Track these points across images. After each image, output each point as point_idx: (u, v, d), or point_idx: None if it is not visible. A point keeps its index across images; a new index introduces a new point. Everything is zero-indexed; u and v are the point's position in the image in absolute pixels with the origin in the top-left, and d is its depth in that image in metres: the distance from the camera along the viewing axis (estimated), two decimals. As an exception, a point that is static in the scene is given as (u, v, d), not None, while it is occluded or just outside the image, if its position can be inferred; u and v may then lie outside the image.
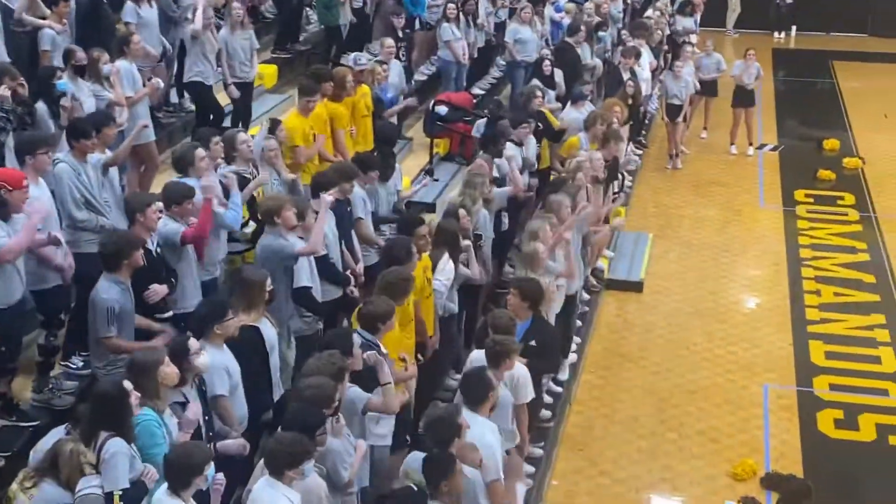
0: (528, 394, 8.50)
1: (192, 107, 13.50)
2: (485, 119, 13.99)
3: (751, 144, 20.16)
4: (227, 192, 9.20)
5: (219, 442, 7.13)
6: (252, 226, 9.52)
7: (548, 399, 10.76)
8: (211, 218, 8.57)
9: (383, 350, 7.95)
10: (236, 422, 7.45)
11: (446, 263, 9.71)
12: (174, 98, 13.52)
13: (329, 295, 9.45)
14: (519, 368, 8.34)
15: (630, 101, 16.66)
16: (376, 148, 11.95)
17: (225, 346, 7.53)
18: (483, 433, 7.30)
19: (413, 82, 16.66)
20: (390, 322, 8.09)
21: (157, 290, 8.06)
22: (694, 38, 22.13)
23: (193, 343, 7.10)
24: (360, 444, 7.27)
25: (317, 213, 9.08)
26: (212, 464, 6.19)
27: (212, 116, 12.77)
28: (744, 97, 19.67)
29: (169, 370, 6.72)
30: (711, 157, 19.97)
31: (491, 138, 12.68)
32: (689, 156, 19.60)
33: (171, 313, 8.20)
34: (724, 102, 20.15)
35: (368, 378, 7.60)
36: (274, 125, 10.65)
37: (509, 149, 12.50)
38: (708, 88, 19.67)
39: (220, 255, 9.18)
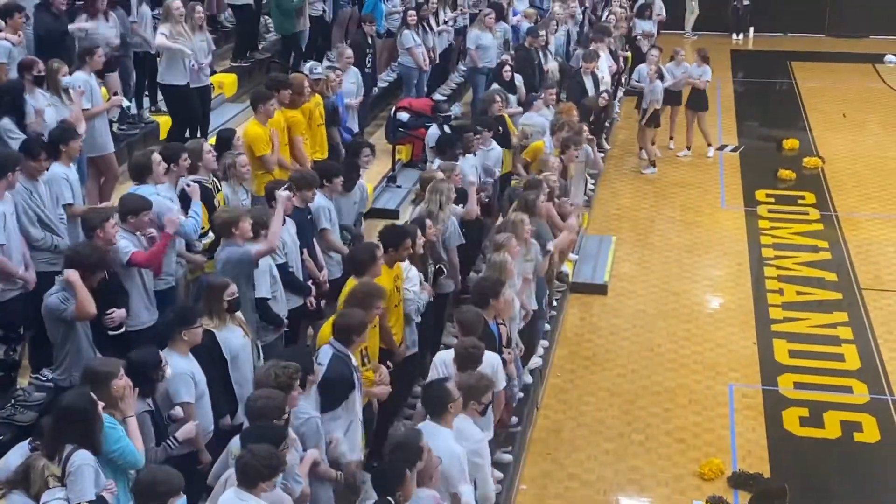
0: (502, 380, 8.71)
1: (150, 117, 13.47)
2: (433, 126, 14.01)
3: (710, 145, 20.24)
4: (187, 201, 9.24)
5: (176, 433, 7.17)
6: (209, 238, 9.50)
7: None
8: (164, 251, 8.56)
9: (354, 362, 7.97)
10: (200, 430, 7.42)
11: (409, 269, 9.72)
12: (134, 109, 13.45)
13: (291, 303, 9.47)
14: (490, 358, 8.42)
15: (602, 111, 16.90)
16: (341, 159, 11.95)
17: (191, 353, 7.53)
18: (448, 445, 7.32)
19: (377, 89, 16.71)
20: (364, 334, 8.14)
21: (117, 314, 8.05)
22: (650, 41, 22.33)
23: (162, 355, 7.12)
24: (309, 454, 7.25)
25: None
26: (182, 497, 6.04)
27: (197, 128, 12.80)
28: (696, 100, 19.75)
29: (122, 382, 6.68)
30: (672, 160, 20.09)
31: (447, 143, 12.71)
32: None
33: (123, 329, 8.16)
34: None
35: (332, 396, 7.62)
36: (226, 139, 10.62)
37: (467, 169, 12.50)
38: (672, 98, 19.62)
39: (175, 265, 9.15)
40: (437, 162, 12.44)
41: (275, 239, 8.89)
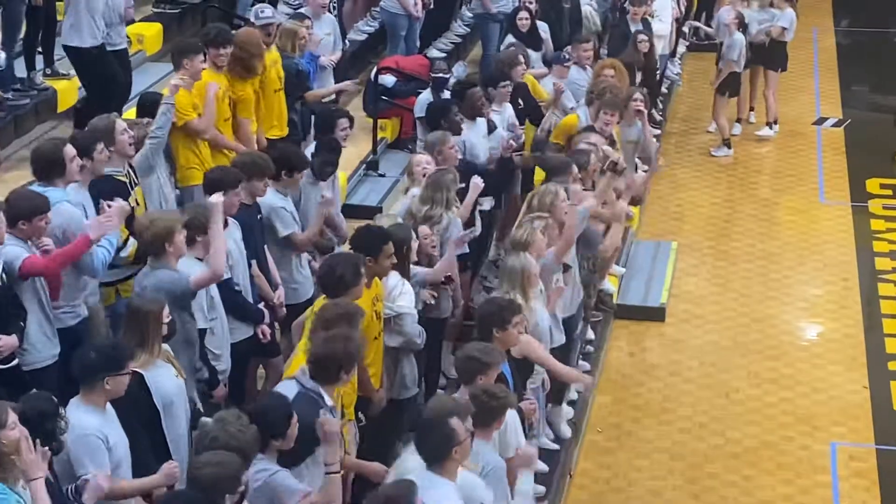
0: (519, 443, 8.65)
1: (45, 83, 13.51)
2: (426, 91, 13.97)
3: (770, 122, 20.16)
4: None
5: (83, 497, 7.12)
6: (133, 244, 9.50)
7: (542, 467, 10.77)
8: (74, 258, 8.56)
9: (328, 402, 7.99)
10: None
11: (398, 283, 9.75)
12: (21, 72, 13.49)
13: (237, 334, 9.49)
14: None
15: (642, 64, 16.78)
16: (317, 138, 11.94)
17: (109, 407, 7.52)
18: (447, 499, 7.33)
19: (347, 42, 16.69)
20: (354, 370, 8.15)
21: (6, 342, 8.05)
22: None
23: (55, 401, 7.11)
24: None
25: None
26: None
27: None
28: (772, 55, 19.75)
29: (14, 433, 6.66)
30: (753, 138, 20.13)
31: (440, 110, 12.67)
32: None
33: (15, 362, 8.16)
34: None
35: (293, 449, 7.64)
36: (151, 107, 10.63)
37: (476, 143, 12.47)
38: (757, 56, 19.61)
39: (84, 293, 9.14)
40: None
41: (220, 264, 8.87)
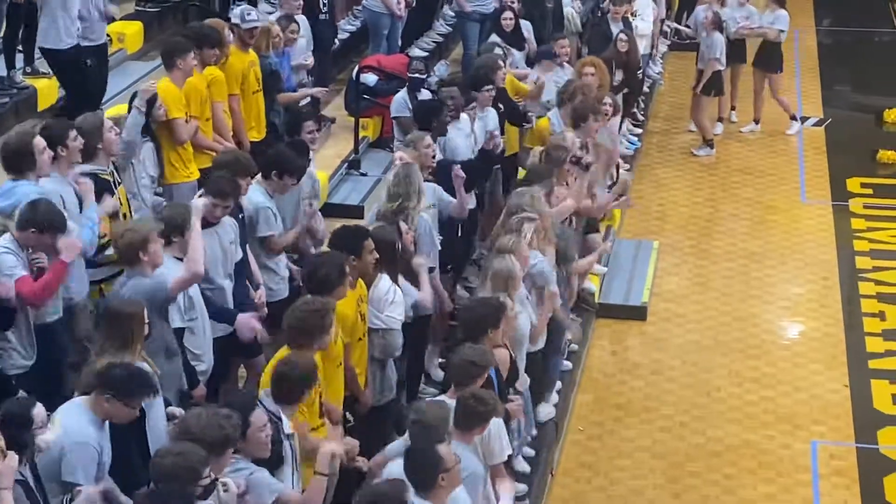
0: (504, 449, 8.66)
1: (25, 82, 13.49)
2: (402, 91, 13.96)
3: (793, 118, 20.27)
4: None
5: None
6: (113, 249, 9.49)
7: (524, 467, 10.81)
8: (58, 285, 8.52)
9: (287, 430, 7.97)
10: None
11: (390, 289, 9.75)
12: (0, 70, 13.48)
13: (214, 332, 9.42)
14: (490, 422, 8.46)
15: (624, 63, 16.81)
16: (286, 138, 11.94)
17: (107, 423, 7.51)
18: None
19: (336, 42, 16.74)
20: (309, 392, 8.14)
21: None
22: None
23: (39, 412, 7.07)
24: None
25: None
26: None
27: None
28: (767, 57, 19.84)
29: None
30: (736, 136, 20.17)
31: (431, 109, 12.65)
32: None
33: None
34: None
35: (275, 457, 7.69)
36: (146, 101, 10.67)
37: (460, 143, 12.51)
38: (736, 54, 19.67)
39: (74, 286, 9.15)
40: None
41: (197, 263, 8.82)
